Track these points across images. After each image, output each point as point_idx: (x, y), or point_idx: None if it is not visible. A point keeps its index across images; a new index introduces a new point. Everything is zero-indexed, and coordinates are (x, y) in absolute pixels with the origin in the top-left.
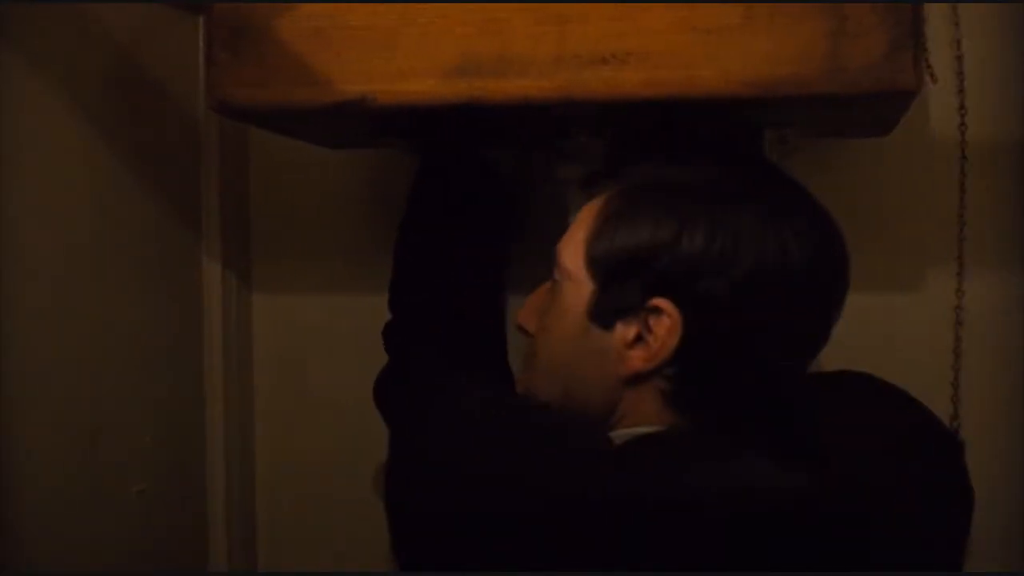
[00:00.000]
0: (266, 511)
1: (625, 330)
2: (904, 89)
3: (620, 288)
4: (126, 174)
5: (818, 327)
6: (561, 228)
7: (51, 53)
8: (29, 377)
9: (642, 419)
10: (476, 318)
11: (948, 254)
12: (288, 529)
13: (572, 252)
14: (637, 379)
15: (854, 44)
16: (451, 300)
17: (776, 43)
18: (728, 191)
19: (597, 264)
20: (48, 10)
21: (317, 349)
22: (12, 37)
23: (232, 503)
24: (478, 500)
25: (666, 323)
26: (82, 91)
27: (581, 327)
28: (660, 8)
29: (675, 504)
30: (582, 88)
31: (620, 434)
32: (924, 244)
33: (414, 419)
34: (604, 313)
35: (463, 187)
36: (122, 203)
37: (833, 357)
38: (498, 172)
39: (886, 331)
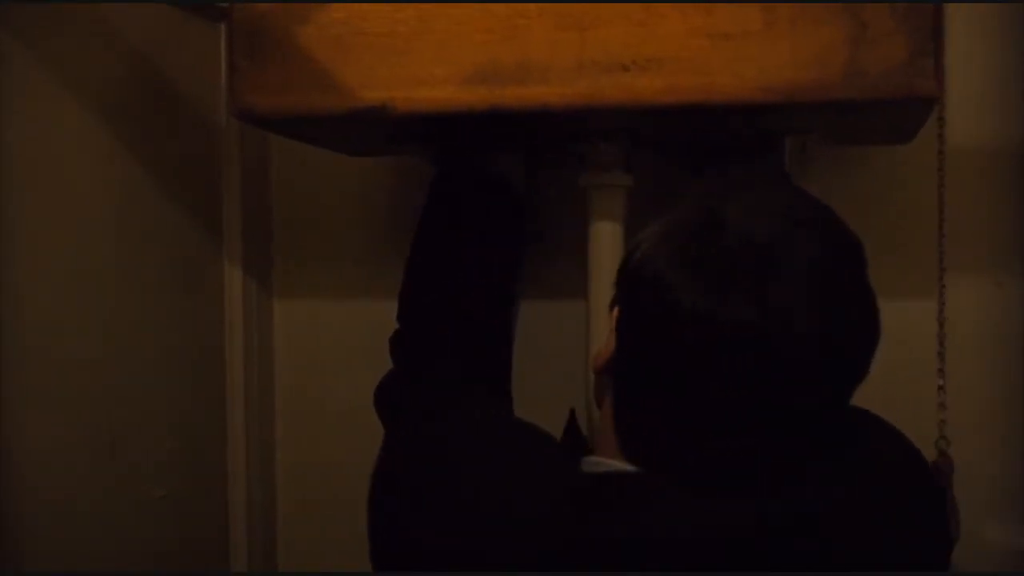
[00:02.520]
0: (287, 516)
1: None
2: (924, 95)
3: (616, 287)
4: (148, 181)
5: (794, 397)
6: (580, 234)
7: (72, 61)
8: (51, 383)
9: (603, 445)
10: (482, 331)
11: (973, 261)
12: (309, 534)
13: None
14: (605, 384)
15: (874, 50)
16: (458, 312)
17: (795, 49)
18: (739, 223)
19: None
20: (69, 18)
21: (337, 354)
22: (34, 47)
23: (253, 508)
24: (443, 521)
25: (612, 330)
26: (104, 99)
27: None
28: (679, 15)
29: (620, 550)
30: (602, 95)
31: (588, 462)
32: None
33: (404, 431)
34: (609, 310)
35: (473, 202)
36: (144, 210)
37: None
38: (508, 184)
39: (901, 337)
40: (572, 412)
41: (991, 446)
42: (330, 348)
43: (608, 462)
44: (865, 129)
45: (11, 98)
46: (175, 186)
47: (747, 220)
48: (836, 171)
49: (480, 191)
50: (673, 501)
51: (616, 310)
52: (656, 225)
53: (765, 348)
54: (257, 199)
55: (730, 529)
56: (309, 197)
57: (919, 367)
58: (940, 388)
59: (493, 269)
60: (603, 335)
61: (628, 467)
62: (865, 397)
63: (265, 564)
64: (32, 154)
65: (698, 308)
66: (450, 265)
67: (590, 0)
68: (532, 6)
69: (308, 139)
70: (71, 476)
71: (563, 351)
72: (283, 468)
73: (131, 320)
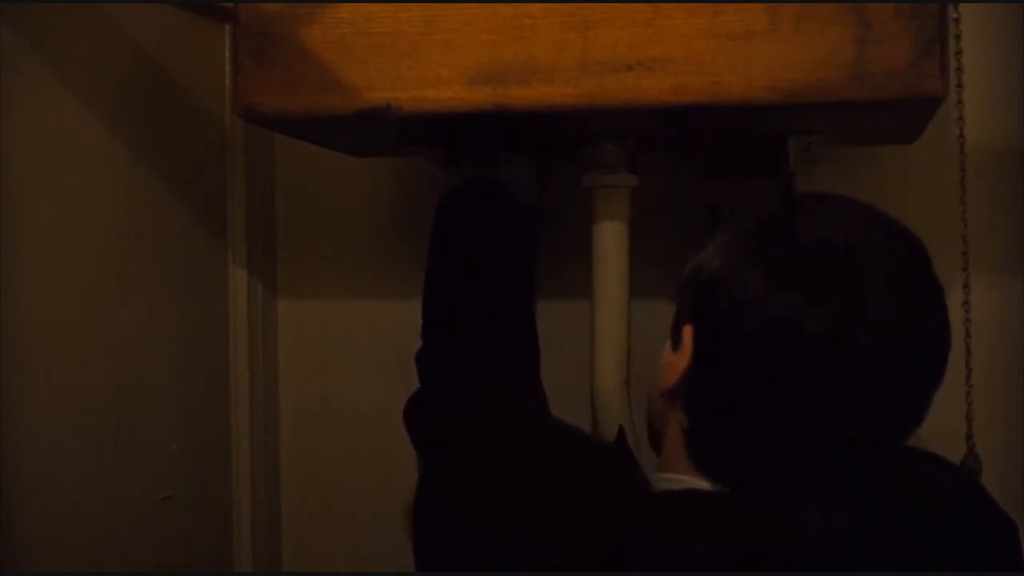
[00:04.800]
0: (291, 517)
1: (670, 345)
2: (930, 95)
3: (679, 304)
4: (152, 182)
5: (878, 408)
6: (585, 234)
7: (77, 62)
8: (54, 384)
9: (673, 462)
10: (511, 335)
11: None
12: (313, 535)
13: None
14: (671, 400)
15: (879, 50)
16: (484, 322)
17: (801, 49)
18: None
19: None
20: (74, 18)
21: (342, 355)
22: (39, 46)
23: (257, 509)
24: (508, 536)
25: (686, 344)
26: (108, 99)
27: (666, 348)
28: (684, 15)
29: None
30: (607, 95)
31: (661, 479)
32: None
33: (446, 445)
34: (672, 329)
35: (485, 213)
36: (148, 210)
37: None
38: (517, 195)
39: None
40: (621, 428)
41: (1014, 445)
42: (334, 348)
43: (681, 478)
44: (870, 129)
45: (15, 97)
46: (179, 186)
47: (821, 225)
48: (841, 172)
49: (490, 202)
50: (755, 517)
51: (688, 328)
52: (721, 236)
53: (858, 352)
54: (261, 199)
55: (818, 544)
56: (313, 197)
57: None
58: (967, 387)
59: (513, 276)
60: (663, 356)
61: (704, 483)
62: None
63: (269, 566)
64: (36, 153)
65: (787, 317)
66: (469, 278)
67: (595, 0)
68: (537, 6)
69: (313, 139)
70: (75, 477)
71: (568, 351)
72: (287, 468)
73: (135, 320)
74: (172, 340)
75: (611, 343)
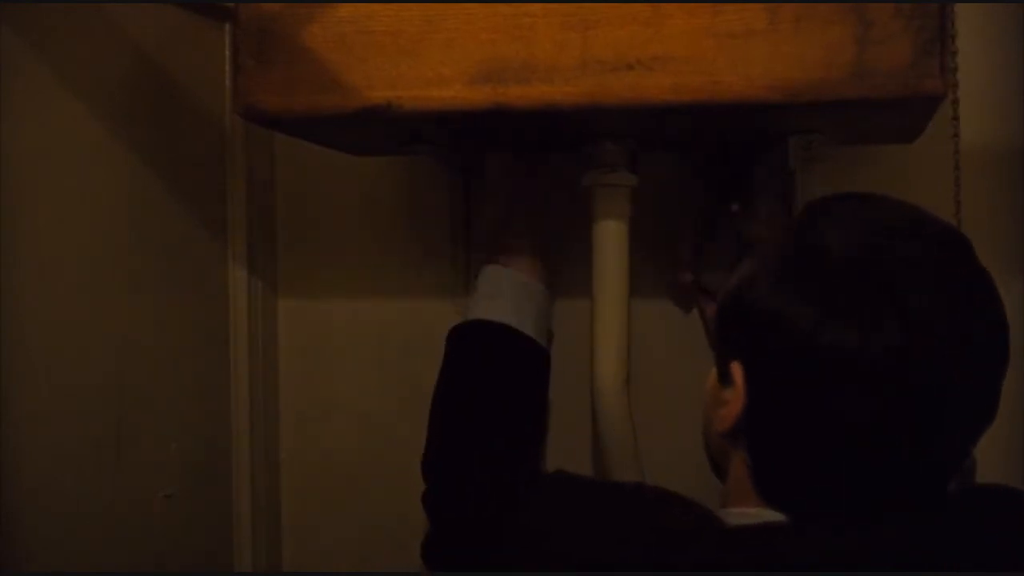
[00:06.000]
0: (292, 515)
1: (717, 378)
2: (931, 94)
3: (722, 336)
4: (152, 181)
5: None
6: (584, 235)
7: (77, 61)
8: (54, 381)
9: (740, 496)
10: (514, 478)
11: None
12: (314, 533)
13: None
14: (732, 439)
15: (880, 49)
16: (487, 465)
17: (801, 48)
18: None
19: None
20: (73, 17)
21: (342, 354)
22: (38, 45)
23: (258, 507)
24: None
25: (737, 383)
26: (108, 98)
27: (712, 378)
28: (685, 14)
29: None
30: (607, 94)
31: (732, 514)
32: None
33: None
34: (718, 362)
35: (496, 358)
36: (148, 209)
37: None
38: (529, 337)
39: None
40: None
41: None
42: (334, 347)
43: (753, 512)
44: (870, 129)
45: (15, 96)
46: (179, 185)
47: (841, 238)
48: (842, 170)
49: (501, 343)
50: (829, 545)
51: (737, 365)
52: (753, 260)
53: (915, 366)
54: (262, 198)
55: (894, 567)
56: (314, 196)
57: None
58: None
59: (523, 417)
60: (710, 396)
61: (776, 515)
62: None
63: (270, 563)
64: (36, 153)
65: (842, 349)
66: (478, 422)
67: (595, 0)
68: (537, 6)
69: (313, 138)
70: (75, 476)
71: (568, 350)
72: (287, 466)
73: (135, 318)
74: (172, 339)
75: (611, 342)
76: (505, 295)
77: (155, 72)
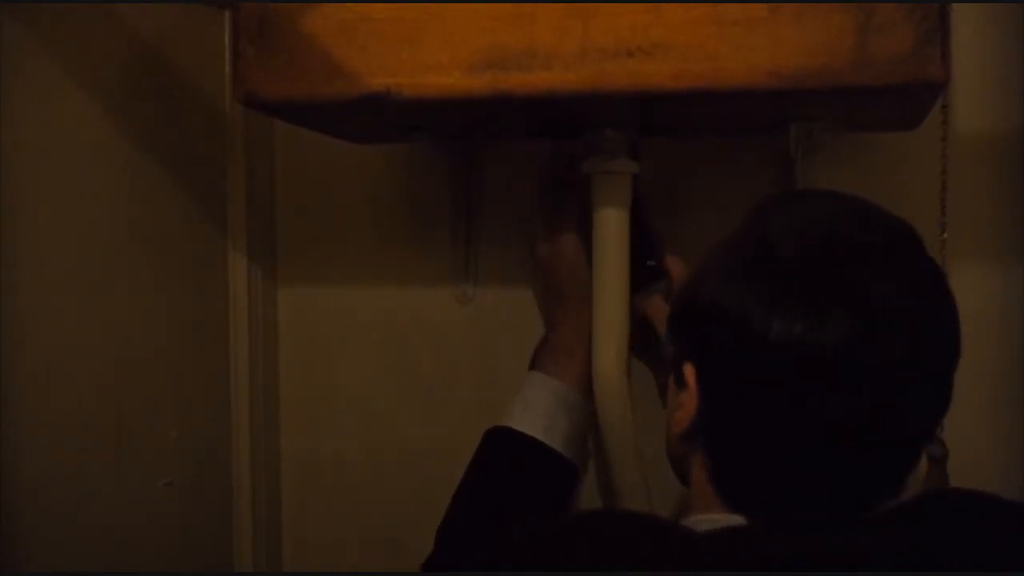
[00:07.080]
0: (291, 505)
1: (674, 382)
2: (932, 82)
3: (675, 340)
4: (152, 169)
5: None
6: (586, 222)
7: (76, 49)
8: (54, 371)
9: (703, 502)
10: None
11: (983, 250)
12: (313, 523)
13: None
14: (689, 442)
15: (882, 37)
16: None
17: (803, 35)
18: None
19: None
20: (74, 6)
21: (342, 344)
22: (37, 33)
23: (258, 497)
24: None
25: (690, 383)
26: (107, 87)
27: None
28: (686, 1)
29: None
30: (607, 81)
31: (695, 520)
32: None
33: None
34: (672, 366)
35: (519, 468)
36: (148, 198)
37: None
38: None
39: None
40: None
41: (991, 442)
42: (334, 336)
43: (716, 517)
44: (872, 116)
45: (14, 87)
46: (179, 173)
47: (788, 233)
48: (843, 158)
49: (528, 457)
50: (795, 546)
51: (689, 366)
52: (702, 264)
53: (866, 355)
54: (261, 186)
55: (857, 567)
56: (314, 184)
57: None
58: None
59: None
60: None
61: (738, 518)
62: None
63: (269, 550)
64: (35, 143)
65: (794, 342)
66: (493, 519)
67: None
68: None
69: (313, 126)
70: (76, 466)
71: None
72: (287, 456)
73: (135, 308)
74: (172, 328)
75: (612, 329)
76: (540, 407)
77: (154, 61)
